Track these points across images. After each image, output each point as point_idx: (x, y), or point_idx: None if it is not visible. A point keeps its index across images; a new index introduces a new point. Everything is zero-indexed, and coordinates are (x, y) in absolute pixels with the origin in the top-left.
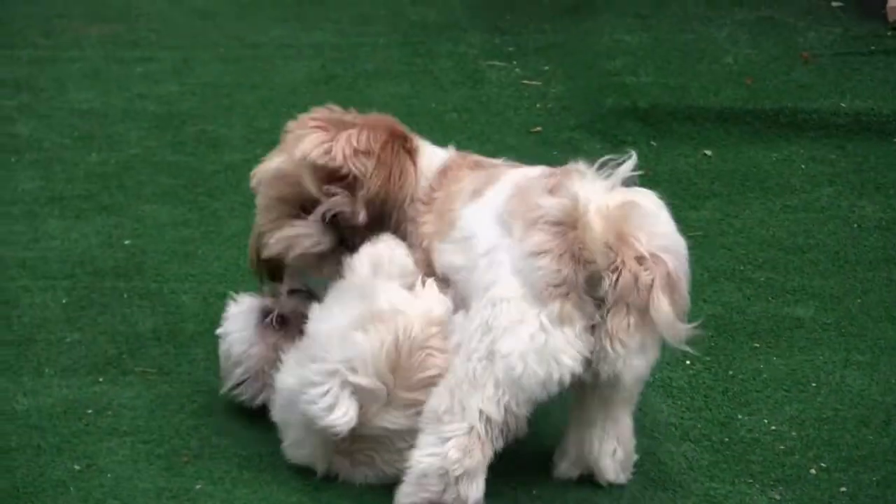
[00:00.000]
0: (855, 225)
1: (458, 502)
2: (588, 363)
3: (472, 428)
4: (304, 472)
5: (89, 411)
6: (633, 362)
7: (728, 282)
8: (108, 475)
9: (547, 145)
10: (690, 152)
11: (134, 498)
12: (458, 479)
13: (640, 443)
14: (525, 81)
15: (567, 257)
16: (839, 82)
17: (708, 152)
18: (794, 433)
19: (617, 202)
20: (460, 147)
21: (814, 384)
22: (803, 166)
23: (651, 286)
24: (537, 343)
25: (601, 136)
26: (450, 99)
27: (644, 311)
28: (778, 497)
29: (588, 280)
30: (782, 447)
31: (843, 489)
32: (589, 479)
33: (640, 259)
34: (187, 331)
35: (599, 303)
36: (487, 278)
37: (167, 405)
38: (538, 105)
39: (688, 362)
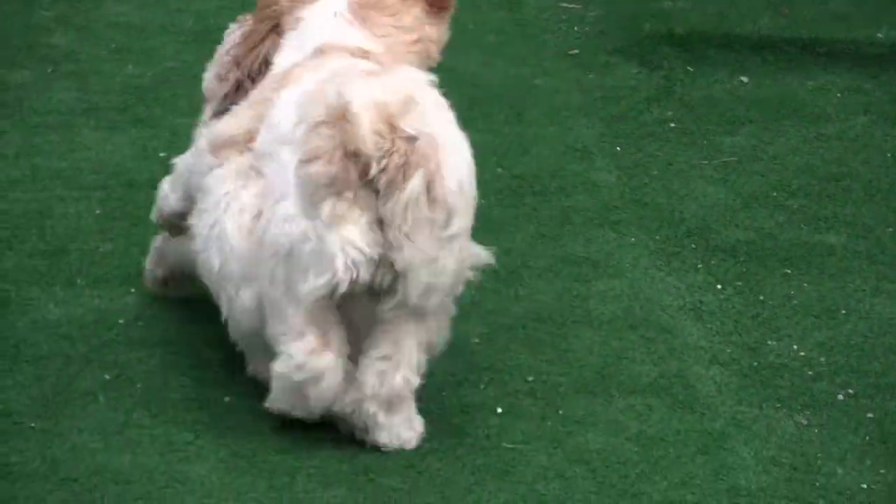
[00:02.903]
0: (888, 154)
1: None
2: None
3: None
4: None
5: (120, 321)
6: (419, 252)
7: (761, 208)
8: (138, 385)
9: (583, 68)
10: (726, 78)
11: (163, 409)
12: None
13: (670, 365)
14: (563, 4)
15: (338, 155)
16: (876, 12)
17: (744, 79)
18: (822, 359)
19: (390, 95)
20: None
21: (843, 311)
22: (838, 95)
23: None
24: (315, 253)
25: (637, 61)
26: (487, 21)
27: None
28: (805, 422)
29: (362, 173)
30: (810, 373)
31: (870, 415)
32: (620, 399)
33: (409, 139)
34: None
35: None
36: (281, 185)
37: (197, 317)
38: (575, 28)
39: (719, 286)
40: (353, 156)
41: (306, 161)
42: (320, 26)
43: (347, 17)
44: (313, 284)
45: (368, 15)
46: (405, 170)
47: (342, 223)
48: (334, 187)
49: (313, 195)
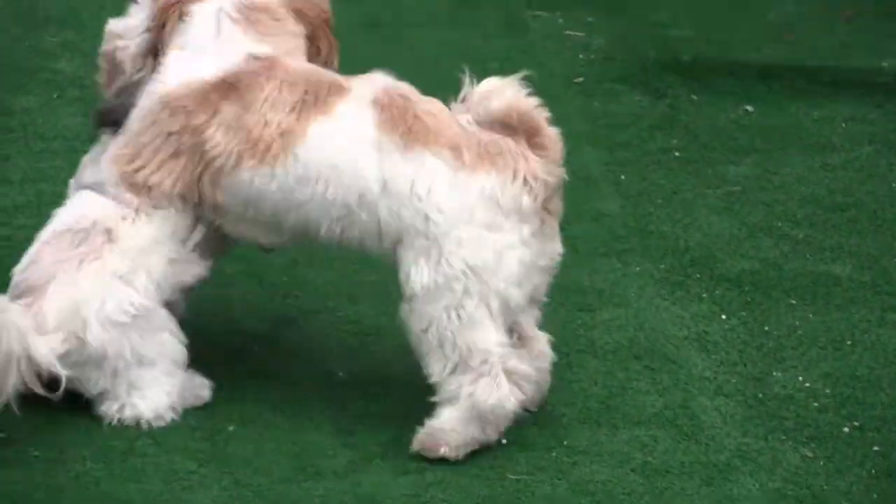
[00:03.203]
0: (893, 184)
1: None
2: None
3: None
4: (336, 415)
5: None
6: None
7: (766, 237)
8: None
9: (588, 96)
10: (731, 107)
11: (167, 437)
12: None
13: (675, 396)
14: (568, 32)
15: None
16: (880, 42)
17: (749, 108)
18: (827, 391)
19: None
20: None
21: (849, 342)
22: (843, 125)
23: None
24: None
25: (642, 89)
26: (493, 47)
27: None
28: (810, 454)
29: None
30: (816, 404)
31: (876, 448)
32: (625, 430)
33: None
34: (227, 271)
35: None
36: None
37: (199, 347)
38: (581, 56)
39: (723, 317)
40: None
41: None
42: (207, 25)
43: (234, 16)
44: None
45: (255, 17)
46: None
47: None
48: None
49: None
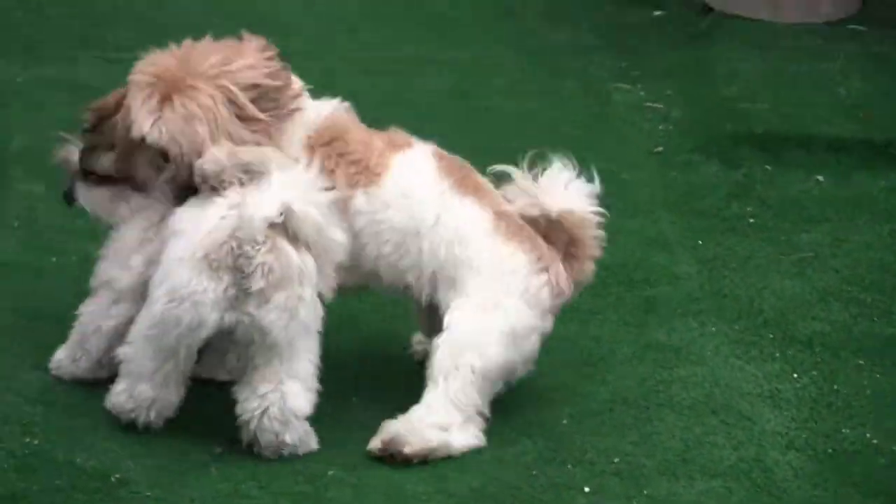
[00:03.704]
0: None
1: None
2: None
3: None
4: (431, 462)
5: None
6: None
7: (836, 301)
8: (248, 458)
9: (667, 165)
10: (803, 177)
11: (270, 481)
12: None
13: (749, 450)
14: (648, 104)
15: None
16: None
17: (820, 178)
18: (894, 447)
19: None
20: (587, 164)
21: None
22: None
23: None
24: None
25: (718, 159)
26: (576, 117)
27: None
28: None
29: None
30: (882, 460)
31: None
32: (701, 482)
33: None
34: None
35: None
36: None
37: None
38: (660, 127)
39: (795, 375)
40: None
41: None
42: None
43: None
44: None
45: None
46: None
47: None
48: None
49: None
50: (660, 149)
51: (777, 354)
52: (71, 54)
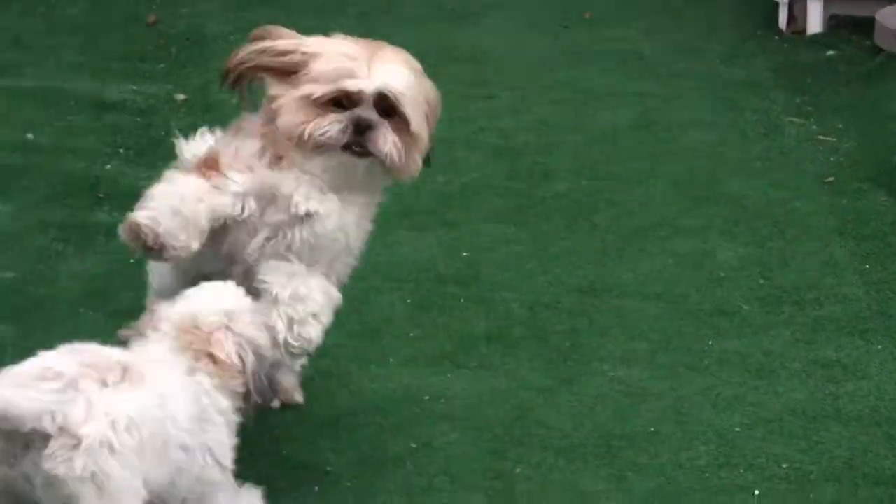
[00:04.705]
0: None
1: None
2: None
3: None
4: (610, 461)
5: (426, 398)
6: None
7: None
8: (440, 454)
9: (837, 194)
10: None
11: (461, 475)
12: None
13: (865, 489)
14: (820, 137)
15: None
16: None
17: None
18: None
19: None
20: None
21: None
22: None
23: None
24: None
25: (887, 189)
26: (753, 148)
27: None
28: None
29: None
30: None
31: None
32: (865, 489)
33: None
34: (514, 334)
35: None
36: None
37: (493, 398)
38: (831, 158)
39: None
40: None
41: None
42: None
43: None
44: None
45: None
46: None
47: None
48: None
49: None
50: (831, 178)
51: None
52: None
